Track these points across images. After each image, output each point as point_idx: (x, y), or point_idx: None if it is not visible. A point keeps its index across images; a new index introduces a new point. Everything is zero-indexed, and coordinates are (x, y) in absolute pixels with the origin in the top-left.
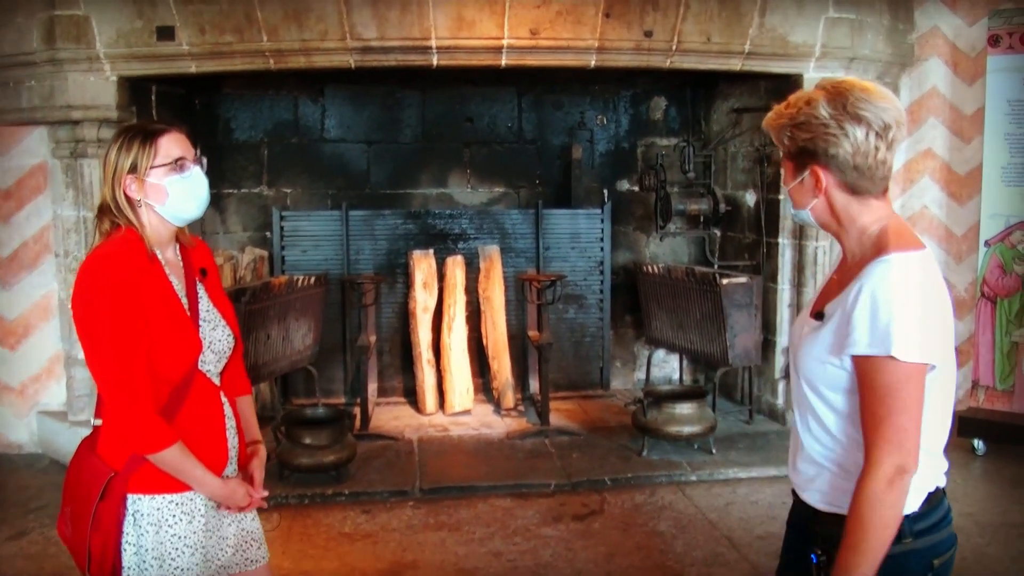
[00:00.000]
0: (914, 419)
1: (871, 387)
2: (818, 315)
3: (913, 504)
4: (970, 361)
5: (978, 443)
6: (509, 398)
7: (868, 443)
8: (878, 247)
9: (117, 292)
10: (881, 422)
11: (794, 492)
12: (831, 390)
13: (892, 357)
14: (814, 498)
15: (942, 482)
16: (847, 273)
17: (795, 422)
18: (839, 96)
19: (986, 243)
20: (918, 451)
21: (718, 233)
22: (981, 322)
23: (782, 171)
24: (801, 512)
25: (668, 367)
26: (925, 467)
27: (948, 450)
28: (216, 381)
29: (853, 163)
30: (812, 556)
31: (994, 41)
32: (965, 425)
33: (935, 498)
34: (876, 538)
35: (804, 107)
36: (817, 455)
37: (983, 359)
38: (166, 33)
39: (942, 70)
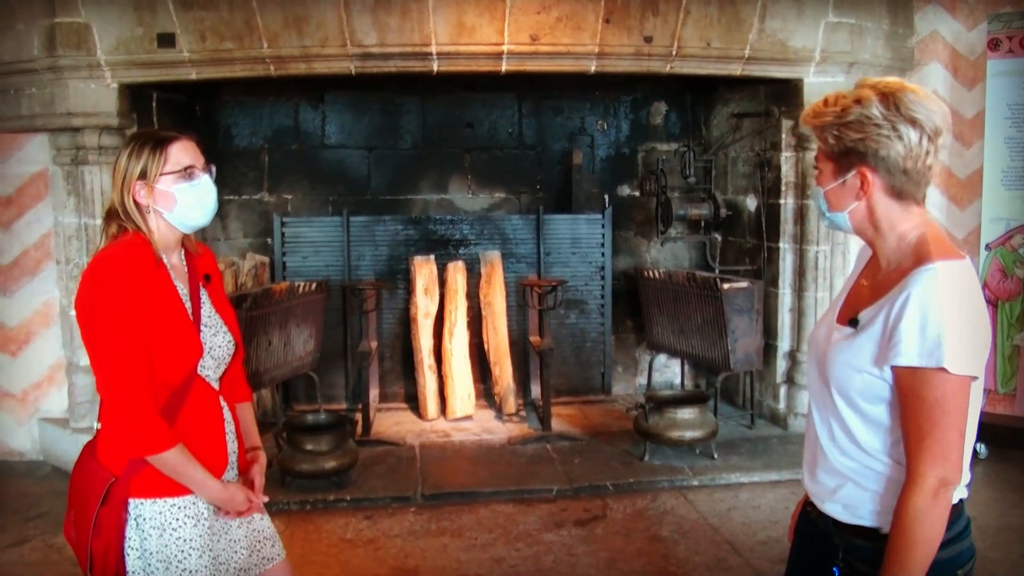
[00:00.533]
0: (959, 432)
1: (919, 399)
2: (852, 322)
3: None
4: None
5: (980, 447)
6: (511, 403)
7: (911, 456)
8: (919, 255)
9: (122, 292)
10: (926, 435)
11: (810, 502)
12: (866, 400)
13: (943, 370)
14: (835, 509)
15: (964, 494)
16: (883, 281)
17: (815, 430)
18: (891, 96)
19: (987, 247)
20: (961, 464)
21: (719, 238)
22: None
23: (816, 171)
24: (818, 523)
25: (669, 372)
26: None
27: None
28: (215, 386)
29: (903, 167)
30: (834, 569)
31: (994, 45)
32: None
33: (957, 510)
34: (922, 552)
35: (854, 106)
36: (841, 465)
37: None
38: (167, 40)
39: (942, 74)
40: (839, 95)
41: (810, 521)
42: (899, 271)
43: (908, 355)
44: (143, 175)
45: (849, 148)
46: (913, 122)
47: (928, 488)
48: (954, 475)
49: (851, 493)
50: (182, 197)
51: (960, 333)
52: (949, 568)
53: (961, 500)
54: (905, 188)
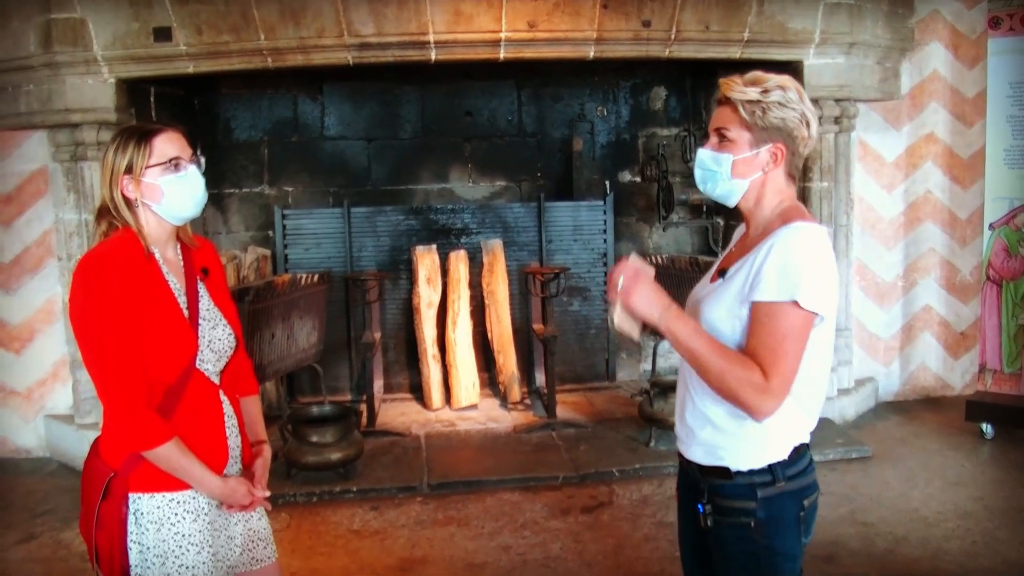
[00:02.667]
0: (799, 359)
1: (769, 330)
2: (721, 273)
3: (782, 453)
4: (976, 345)
5: (986, 427)
6: (515, 392)
7: (763, 370)
8: (784, 218)
9: (110, 291)
10: (778, 360)
11: (680, 455)
12: (729, 342)
13: (795, 303)
14: (696, 454)
15: (807, 439)
16: (751, 242)
17: (686, 376)
18: (799, 89)
19: (990, 226)
20: (790, 387)
21: (721, 222)
22: (987, 306)
23: (722, 138)
24: (688, 472)
25: (674, 357)
26: (796, 422)
27: (952, 434)
28: (215, 380)
29: (801, 149)
30: (699, 507)
31: (994, 23)
32: (973, 409)
33: (800, 450)
34: (708, 357)
35: (778, 90)
36: (705, 407)
37: (990, 343)
38: (163, 34)
39: (943, 54)
40: (762, 77)
41: (683, 471)
42: (765, 232)
43: (767, 291)
44: (129, 169)
45: (771, 124)
46: (813, 113)
47: (762, 385)
48: (783, 392)
49: (710, 435)
50: (169, 189)
51: (814, 276)
52: (798, 497)
53: (805, 444)
54: (796, 168)
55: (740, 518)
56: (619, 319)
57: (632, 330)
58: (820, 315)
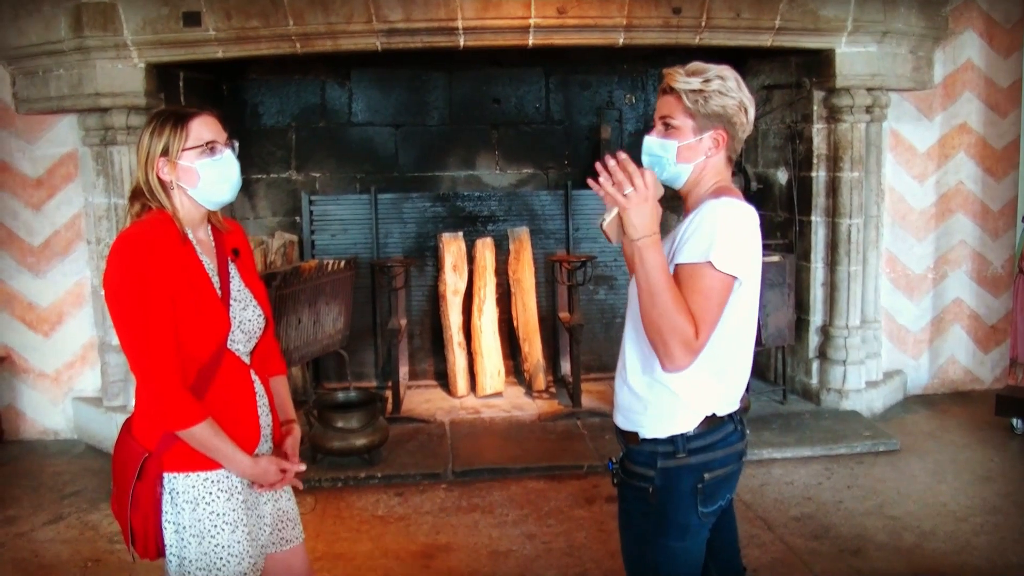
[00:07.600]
0: (716, 321)
1: (692, 288)
2: None
3: (688, 425)
4: (1007, 339)
5: (1016, 422)
6: (540, 380)
7: (696, 328)
8: (715, 194)
9: (146, 270)
10: (705, 319)
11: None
12: None
13: (710, 264)
14: (620, 420)
15: (723, 411)
16: (684, 217)
17: (625, 342)
18: (737, 78)
19: (1023, 219)
20: (706, 341)
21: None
22: (1019, 299)
23: (667, 126)
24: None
25: None
26: (707, 392)
27: (982, 428)
28: (246, 360)
29: (740, 134)
30: (609, 463)
31: None
32: (1003, 404)
33: (713, 422)
34: (662, 295)
35: (717, 80)
36: (628, 371)
37: (1021, 337)
38: (192, 19)
39: (977, 43)
40: (701, 68)
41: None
42: (696, 207)
43: (687, 254)
44: (165, 152)
45: (713, 111)
46: (751, 101)
47: (694, 345)
48: (699, 352)
49: (626, 398)
50: (205, 172)
51: (727, 240)
52: (697, 471)
53: (721, 416)
54: (734, 152)
55: (640, 483)
56: (609, 223)
57: (614, 236)
58: (738, 278)
